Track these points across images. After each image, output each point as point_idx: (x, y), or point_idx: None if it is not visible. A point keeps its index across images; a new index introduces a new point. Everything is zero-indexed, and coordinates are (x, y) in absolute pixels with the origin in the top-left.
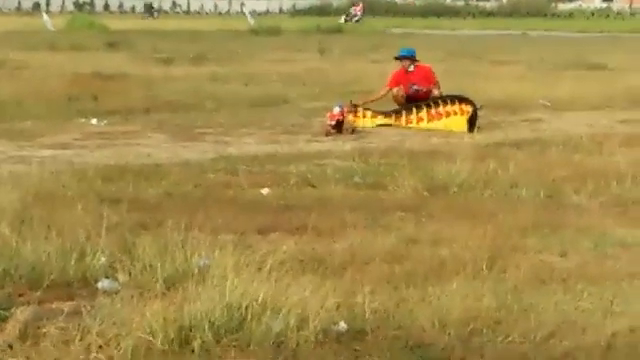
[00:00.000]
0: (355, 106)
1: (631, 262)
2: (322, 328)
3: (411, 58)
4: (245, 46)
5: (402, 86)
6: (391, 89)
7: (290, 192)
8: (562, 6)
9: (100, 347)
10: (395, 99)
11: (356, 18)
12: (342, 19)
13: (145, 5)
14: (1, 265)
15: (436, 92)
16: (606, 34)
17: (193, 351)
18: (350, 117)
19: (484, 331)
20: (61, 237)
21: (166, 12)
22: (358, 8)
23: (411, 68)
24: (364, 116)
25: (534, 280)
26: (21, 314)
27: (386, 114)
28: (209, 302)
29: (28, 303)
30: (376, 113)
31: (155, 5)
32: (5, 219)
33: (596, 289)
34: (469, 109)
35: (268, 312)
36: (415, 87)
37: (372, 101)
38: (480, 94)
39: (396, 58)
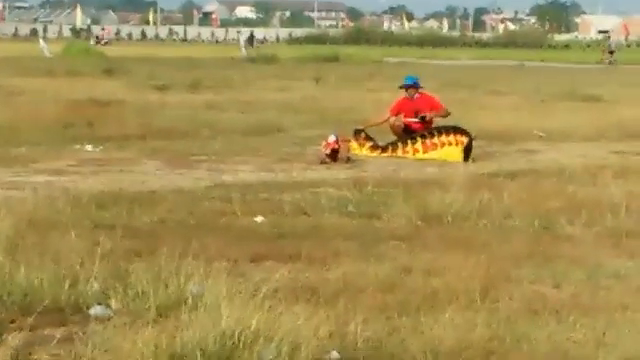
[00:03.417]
0: (359, 131)
1: (624, 293)
2: (314, 357)
3: (415, 86)
4: (241, 74)
5: (403, 114)
6: (390, 117)
7: (284, 220)
8: (558, 37)
9: None
10: (392, 128)
11: (104, 41)
12: (92, 41)
13: (247, 37)
14: None
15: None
16: (601, 65)
17: None
18: (352, 142)
19: None
20: (54, 263)
21: (162, 39)
22: (105, 32)
23: (416, 96)
24: (363, 145)
25: (527, 311)
26: (13, 340)
27: (383, 149)
28: (201, 330)
29: (20, 329)
30: (374, 147)
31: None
32: None
33: (589, 320)
34: (464, 139)
35: (261, 340)
36: (421, 115)
37: (372, 125)
38: (475, 124)
39: (401, 87)
